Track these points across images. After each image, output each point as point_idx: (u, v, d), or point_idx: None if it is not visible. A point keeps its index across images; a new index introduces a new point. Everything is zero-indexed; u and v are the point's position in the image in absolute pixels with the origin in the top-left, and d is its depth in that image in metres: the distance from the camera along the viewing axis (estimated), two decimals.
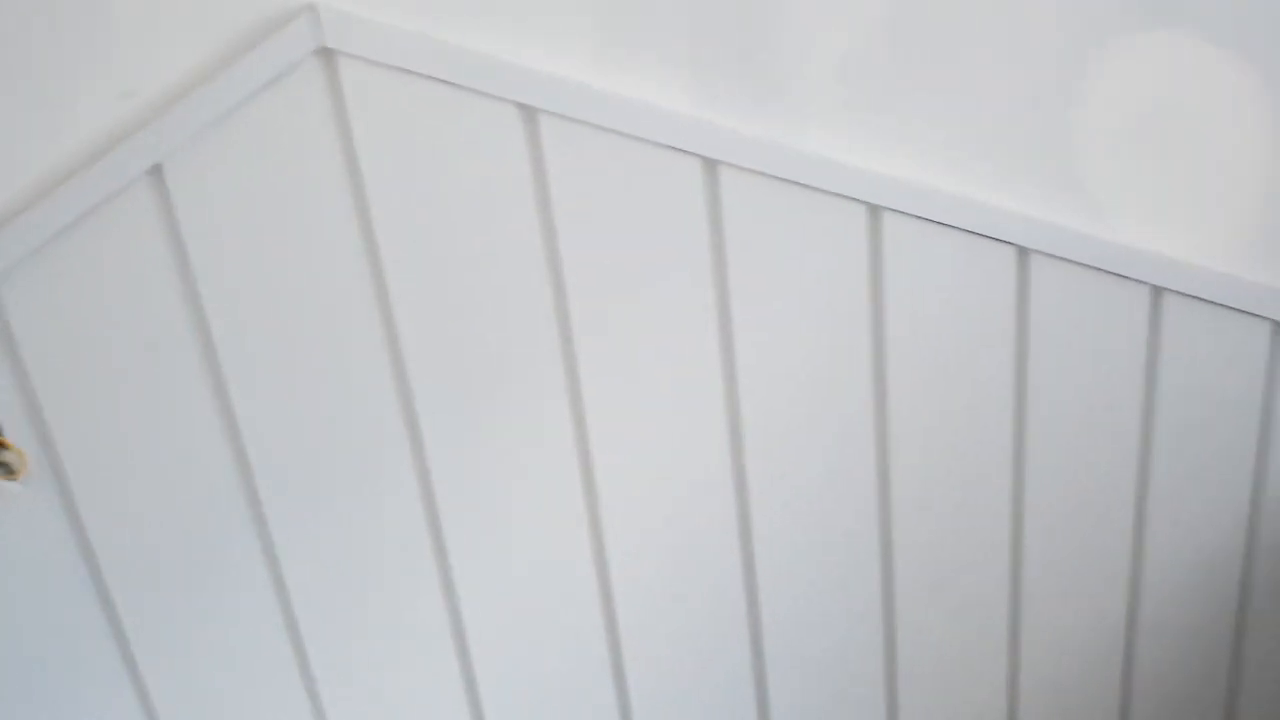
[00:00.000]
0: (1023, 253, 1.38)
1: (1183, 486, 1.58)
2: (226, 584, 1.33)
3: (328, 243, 1.21)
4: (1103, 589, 1.63)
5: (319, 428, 1.29)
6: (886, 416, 1.44)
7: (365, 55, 1.14)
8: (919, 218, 1.33)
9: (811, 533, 1.49)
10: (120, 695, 1.34)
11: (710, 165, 1.26)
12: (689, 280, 1.31)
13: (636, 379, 1.35)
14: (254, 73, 1.12)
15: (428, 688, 1.46)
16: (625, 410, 1.35)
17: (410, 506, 1.35)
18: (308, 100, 1.15)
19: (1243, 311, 1.49)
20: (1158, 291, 1.45)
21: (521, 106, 1.19)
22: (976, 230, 1.35)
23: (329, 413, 1.28)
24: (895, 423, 1.44)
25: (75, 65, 1.12)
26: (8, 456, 1.20)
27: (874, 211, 1.32)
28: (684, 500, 1.43)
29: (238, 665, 1.37)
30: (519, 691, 1.49)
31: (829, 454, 1.45)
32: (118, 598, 1.30)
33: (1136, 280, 1.44)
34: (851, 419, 1.44)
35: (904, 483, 1.48)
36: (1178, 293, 1.45)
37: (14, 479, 1.21)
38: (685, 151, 1.24)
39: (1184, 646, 1.69)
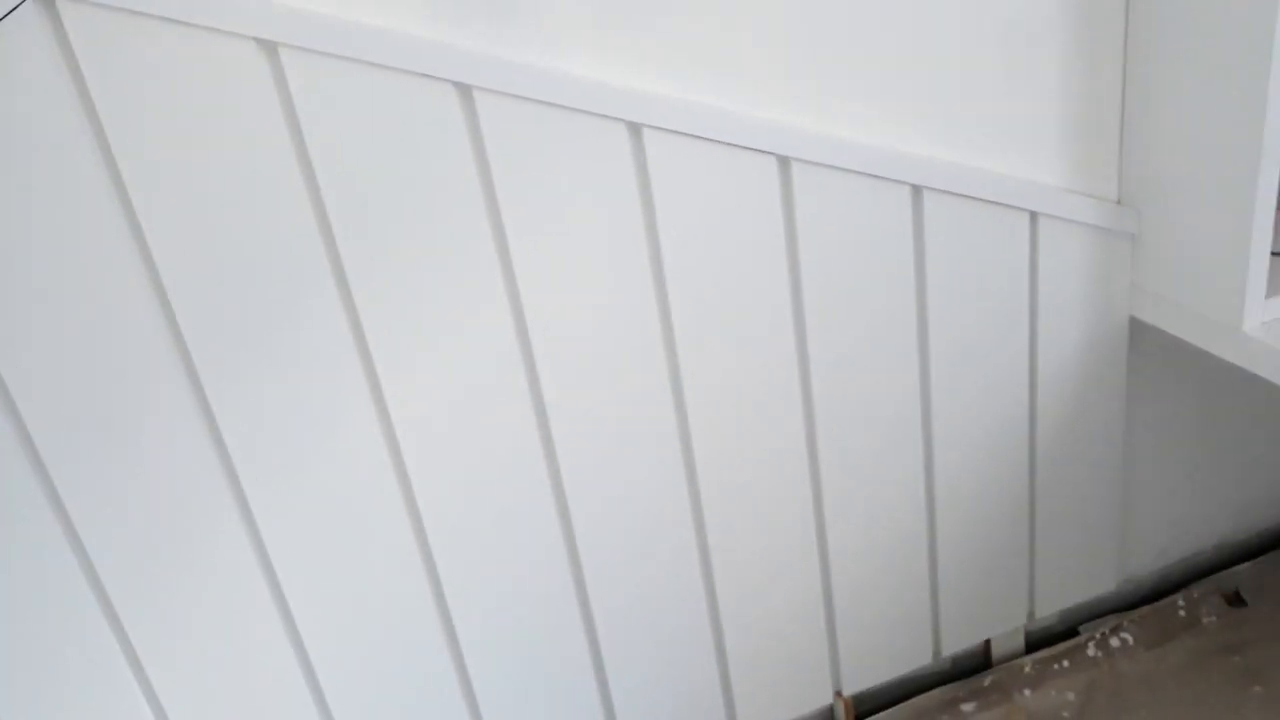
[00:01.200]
0: (784, 161, 1.44)
1: (962, 371, 1.69)
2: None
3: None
4: (902, 476, 1.74)
5: None
6: (672, 332, 1.49)
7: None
8: (679, 133, 1.37)
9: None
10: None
11: (464, 90, 1.27)
12: (460, 211, 1.33)
13: (419, 313, 1.36)
14: None
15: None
16: (408, 345, 1.37)
17: None
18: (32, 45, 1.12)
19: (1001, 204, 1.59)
20: (918, 190, 1.53)
21: (261, 42, 1.18)
22: (737, 143, 1.40)
23: None
24: (679, 333, 1.50)
25: None
26: None
27: (634, 130, 1.36)
28: (491, 451, 1.46)
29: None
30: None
31: (625, 388, 1.50)
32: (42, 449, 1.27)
33: (897, 181, 1.51)
34: (636, 339, 1.49)
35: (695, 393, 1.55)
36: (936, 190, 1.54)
37: None
38: (436, 78, 1.25)
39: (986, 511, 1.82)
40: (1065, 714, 1.94)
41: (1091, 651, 2.05)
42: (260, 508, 1.38)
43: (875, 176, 1.50)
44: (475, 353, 1.41)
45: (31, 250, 1.18)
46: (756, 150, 1.42)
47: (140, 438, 1.29)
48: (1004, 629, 1.98)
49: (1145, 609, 2.11)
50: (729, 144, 1.40)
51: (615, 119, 1.34)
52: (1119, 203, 1.68)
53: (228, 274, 1.26)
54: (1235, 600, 2.12)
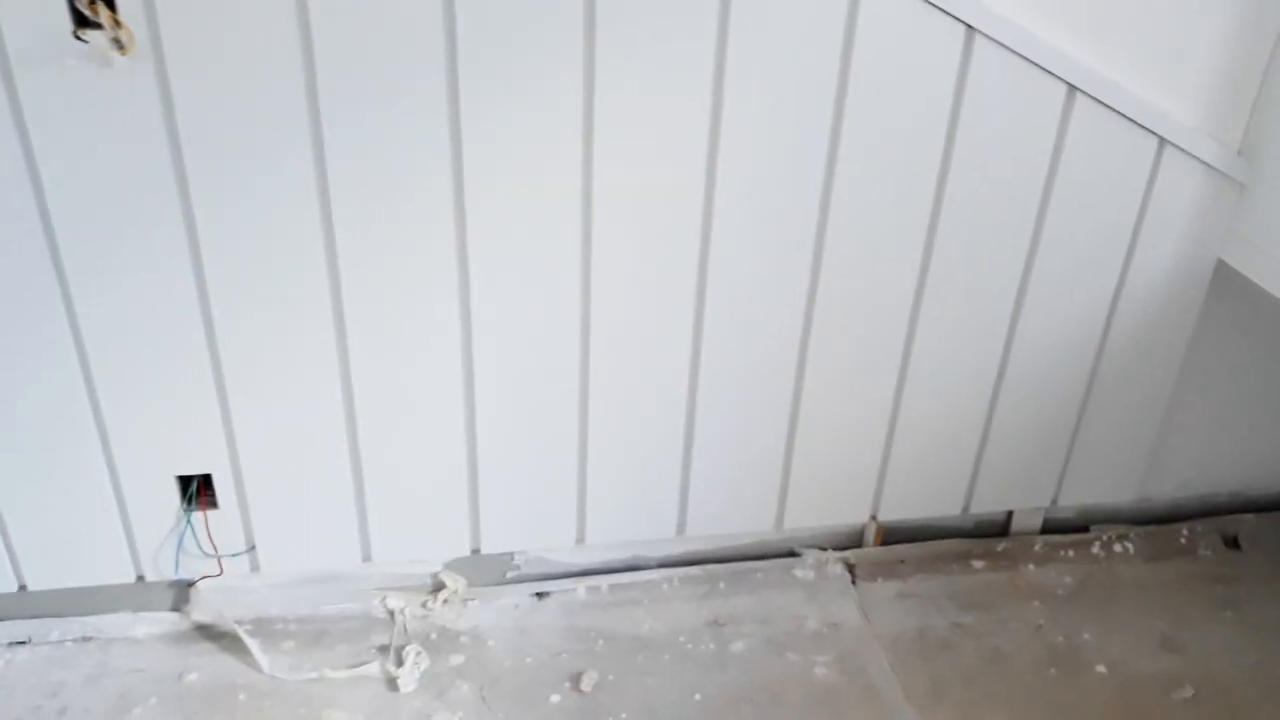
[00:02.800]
0: (970, 33, 1.68)
1: (1062, 265, 1.94)
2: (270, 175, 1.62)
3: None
4: (986, 341, 2.00)
5: None
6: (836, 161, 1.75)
7: None
8: None
9: None
10: (176, 244, 1.65)
11: None
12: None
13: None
14: None
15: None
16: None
17: None
18: None
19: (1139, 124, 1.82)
20: (1072, 91, 1.76)
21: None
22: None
23: None
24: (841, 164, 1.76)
25: None
26: (121, 34, 1.45)
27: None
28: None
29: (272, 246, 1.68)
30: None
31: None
32: (190, 167, 1.58)
33: (1058, 78, 1.74)
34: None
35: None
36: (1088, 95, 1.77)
37: (123, 54, 1.47)
38: None
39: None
40: (1059, 593, 2.21)
41: (1096, 550, 2.32)
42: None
43: (1042, 69, 1.72)
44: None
45: None
46: (948, 13, 1.65)
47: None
48: (1027, 505, 2.25)
49: (1152, 527, 2.37)
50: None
51: None
52: (1239, 153, 1.89)
53: None
54: (1232, 544, 2.38)
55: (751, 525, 2.12)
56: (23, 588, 1.92)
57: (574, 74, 1.60)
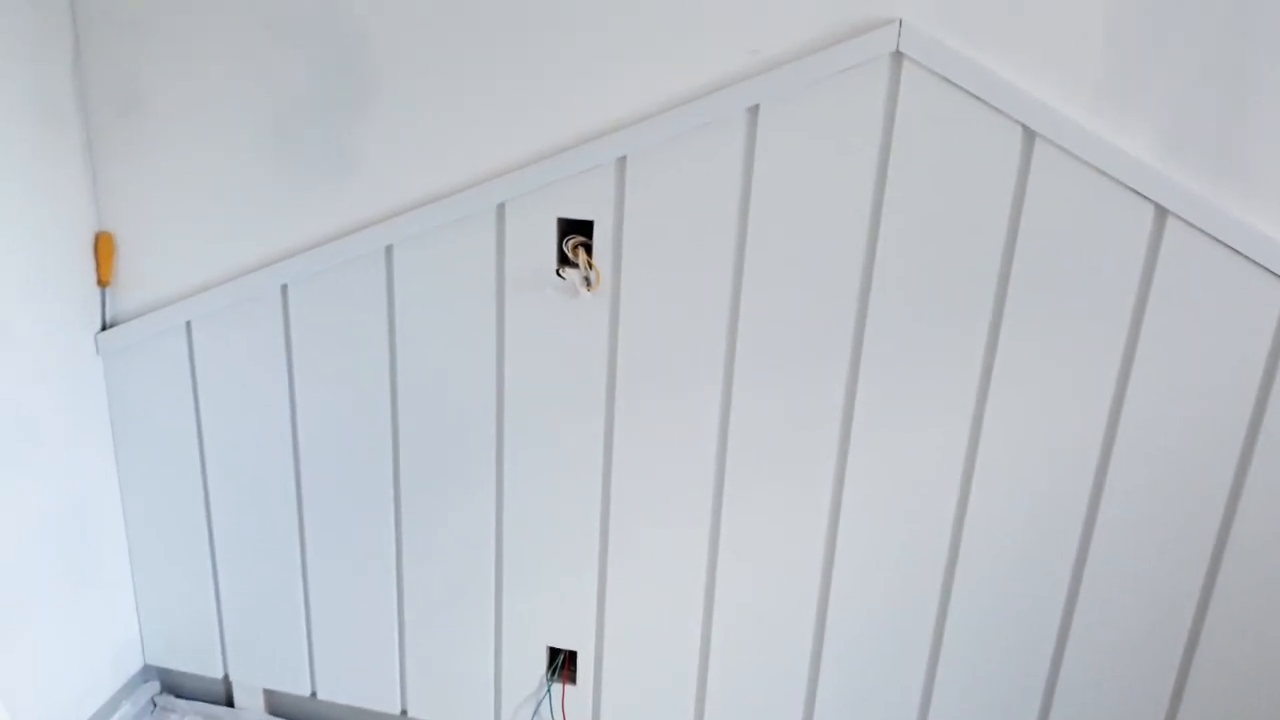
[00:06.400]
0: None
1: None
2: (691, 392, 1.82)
3: (839, 199, 1.64)
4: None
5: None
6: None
7: (926, 64, 1.54)
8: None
9: None
10: (592, 455, 1.90)
11: (1161, 213, 1.55)
12: (1098, 296, 1.61)
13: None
14: (843, 56, 1.57)
15: None
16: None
17: None
18: (873, 86, 1.58)
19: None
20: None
21: (1025, 129, 1.55)
22: None
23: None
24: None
25: (716, 29, 1.61)
26: (591, 274, 1.75)
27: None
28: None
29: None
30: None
31: None
32: (620, 385, 1.84)
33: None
34: None
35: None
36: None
37: (590, 290, 1.76)
38: (1143, 197, 1.54)
39: None
40: None
41: None
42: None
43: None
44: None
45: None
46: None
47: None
48: None
49: None
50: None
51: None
52: None
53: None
54: None
55: None
56: (404, 712, 2.20)
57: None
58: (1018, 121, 1.55)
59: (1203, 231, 1.54)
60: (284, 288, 1.94)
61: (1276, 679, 1.76)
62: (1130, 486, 1.69)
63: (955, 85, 1.55)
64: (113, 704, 2.27)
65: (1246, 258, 1.54)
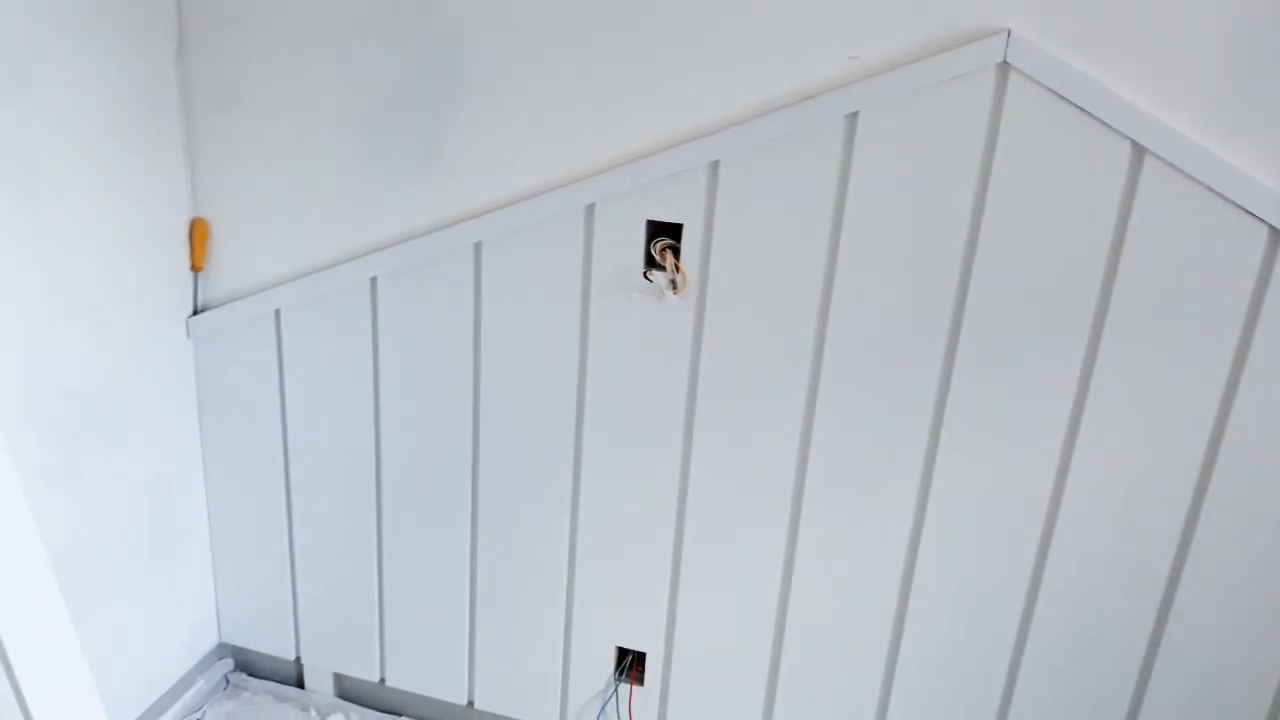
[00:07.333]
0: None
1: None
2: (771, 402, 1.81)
3: (936, 212, 1.61)
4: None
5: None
6: None
7: (1034, 76, 1.51)
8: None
9: None
10: (672, 458, 1.89)
11: (1275, 234, 1.50)
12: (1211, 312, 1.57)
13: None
14: (949, 65, 1.54)
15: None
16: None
17: None
18: (977, 97, 1.54)
19: None
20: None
21: (1134, 145, 1.50)
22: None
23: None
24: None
25: (816, 32, 1.59)
26: (678, 278, 1.74)
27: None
28: None
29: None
30: None
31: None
32: (702, 389, 1.83)
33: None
34: None
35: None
36: None
37: (675, 293, 1.75)
38: (1256, 217, 1.49)
39: None
40: None
41: None
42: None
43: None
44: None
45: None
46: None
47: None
48: None
49: None
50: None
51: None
52: None
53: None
54: None
55: None
56: (470, 703, 2.21)
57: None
58: (1126, 136, 1.50)
59: None
60: (373, 280, 1.96)
61: None
62: (1226, 515, 1.65)
63: (1063, 98, 1.51)
64: (188, 679, 2.32)
65: None
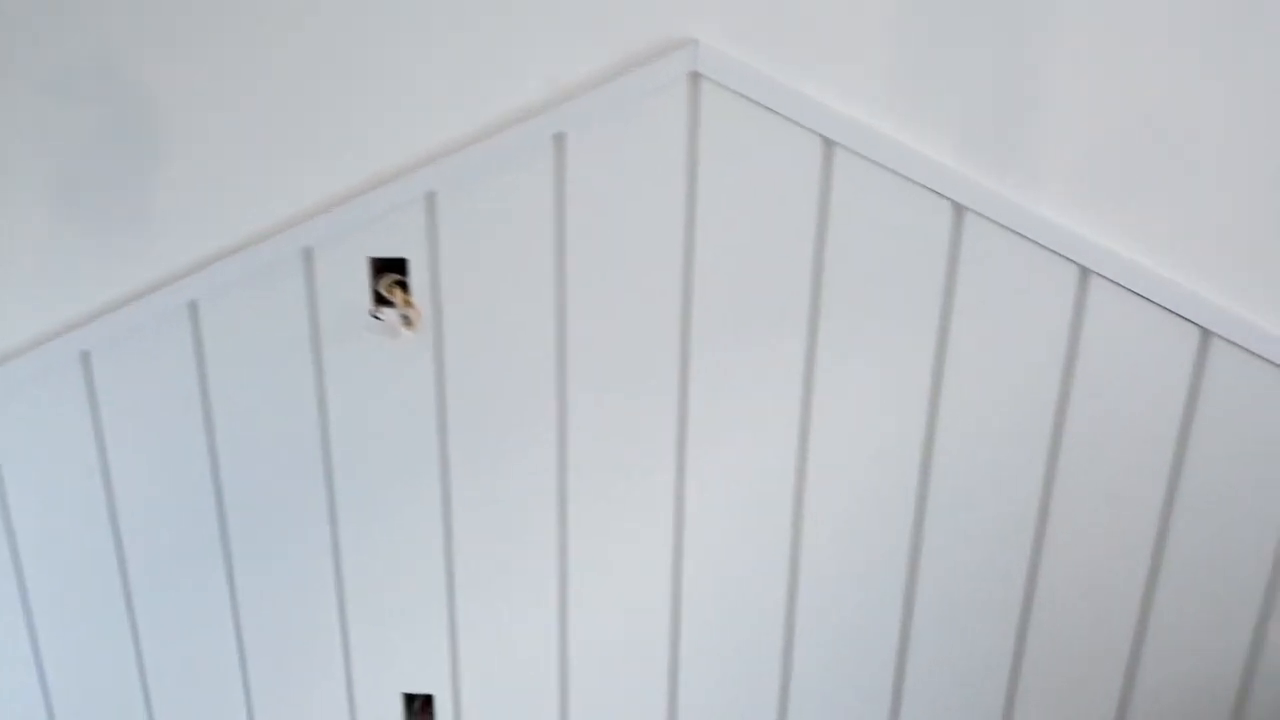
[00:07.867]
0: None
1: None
2: (524, 437, 1.79)
3: (652, 220, 1.64)
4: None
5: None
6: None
7: (724, 82, 1.56)
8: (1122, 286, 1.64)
9: None
10: (430, 492, 1.85)
11: (959, 210, 1.61)
12: (914, 298, 1.67)
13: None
14: (643, 79, 1.57)
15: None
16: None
17: None
18: (674, 108, 1.58)
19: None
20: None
21: (823, 139, 1.58)
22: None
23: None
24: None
25: (514, 58, 1.59)
26: (410, 312, 1.70)
27: (1084, 274, 1.63)
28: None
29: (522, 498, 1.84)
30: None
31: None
32: (451, 423, 1.79)
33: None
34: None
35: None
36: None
37: (411, 328, 1.71)
38: (940, 195, 1.59)
39: None
40: None
41: None
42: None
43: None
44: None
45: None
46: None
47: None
48: None
49: None
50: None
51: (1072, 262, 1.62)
52: None
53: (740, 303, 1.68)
54: None
55: None
56: None
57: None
58: (815, 132, 1.58)
59: (996, 222, 1.61)
60: (84, 355, 1.82)
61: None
62: (953, 478, 1.76)
63: (753, 101, 1.57)
64: None
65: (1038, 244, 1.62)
